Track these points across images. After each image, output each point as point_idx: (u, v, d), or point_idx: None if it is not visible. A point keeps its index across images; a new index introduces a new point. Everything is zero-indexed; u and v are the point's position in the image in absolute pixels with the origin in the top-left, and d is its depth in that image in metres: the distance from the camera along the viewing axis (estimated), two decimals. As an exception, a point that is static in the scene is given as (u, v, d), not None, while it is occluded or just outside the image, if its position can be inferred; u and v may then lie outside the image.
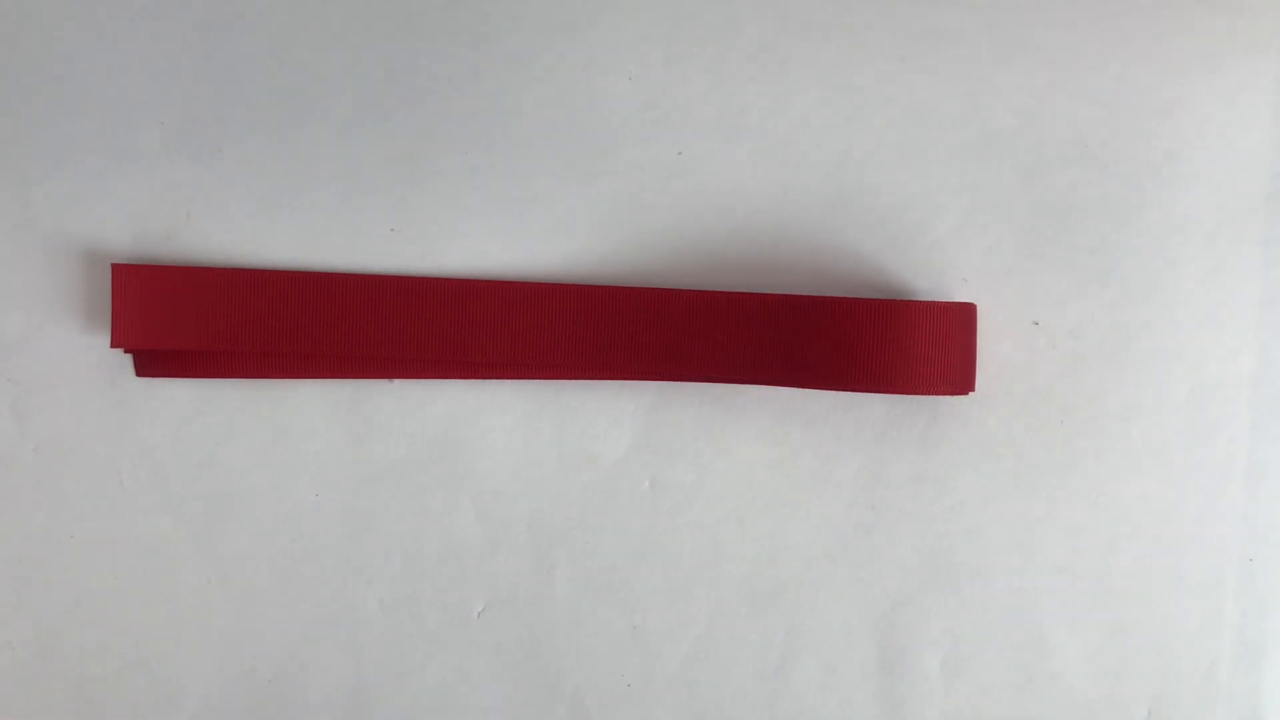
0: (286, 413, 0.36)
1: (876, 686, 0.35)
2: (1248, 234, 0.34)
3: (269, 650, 0.36)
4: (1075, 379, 0.34)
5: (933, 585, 0.35)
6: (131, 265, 0.35)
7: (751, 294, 0.34)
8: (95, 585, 0.36)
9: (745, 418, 0.35)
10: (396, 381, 0.36)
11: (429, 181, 0.35)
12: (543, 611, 0.36)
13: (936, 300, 0.33)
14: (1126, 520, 0.34)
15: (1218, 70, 0.34)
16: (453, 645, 0.36)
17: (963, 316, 0.33)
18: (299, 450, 0.36)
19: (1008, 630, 0.35)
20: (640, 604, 0.35)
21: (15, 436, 0.36)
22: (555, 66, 0.35)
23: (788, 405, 0.35)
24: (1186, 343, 0.34)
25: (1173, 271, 0.34)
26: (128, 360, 0.36)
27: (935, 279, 0.34)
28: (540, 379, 0.35)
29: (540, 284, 0.35)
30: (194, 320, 0.35)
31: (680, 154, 0.35)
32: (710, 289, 0.34)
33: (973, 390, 0.34)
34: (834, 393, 0.35)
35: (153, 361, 0.36)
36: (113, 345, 0.35)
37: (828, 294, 0.34)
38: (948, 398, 0.34)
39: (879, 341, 0.32)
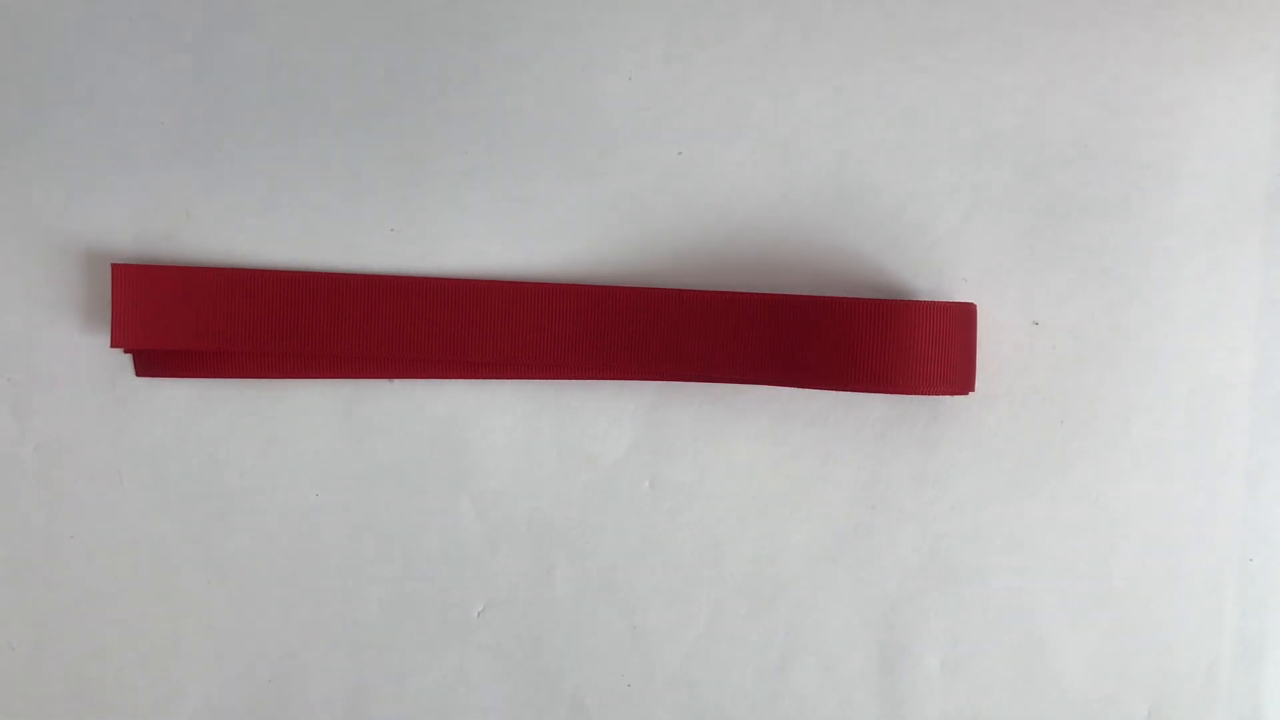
0: (286, 413, 0.36)
1: (876, 686, 0.35)
2: (1248, 234, 0.34)
3: (269, 650, 0.36)
4: (1075, 379, 0.34)
5: (932, 585, 0.35)
6: (131, 265, 0.35)
7: (751, 294, 0.34)
8: (95, 585, 0.36)
9: (745, 418, 0.35)
10: (396, 381, 0.36)
11: (429, 181, 0.35)
12: (543, 611, 0.36)
13: (936, 300, 0.33)
14: (1126, 520, 0.34)
15: (1218, 70, 0.34)
16: (453, 645, 0.36)
17: (963, 316, 0.33)
18: (299, 450, 0.36)
19: (1007, 630, 0.34)
20: (640, 604, 0.35)
21: (15, 436, 0.36)
22: (555, 66, 0.35)
23: (788, 405, 0.35)
24: (1186, 343, 0.34)
25: (1173, 271, 0.34)
26: (128, 360, 0.36)
27: (935, 279, 0.34)
28: (540, 379, 0.35)
29: (540, 284, 0.35)
30: (194, 320, 0.35)
31: (680, 154, 0.35)
32: (710, 289, 0.34)
33: (973, 390, 0.34)
34: (834, 393, 0.35)
35: (153, 361, 0.36)
36: (113, 345, 0.35)
37: (828, 294, 0.34)
38: (948, 398, 0.34)
39: (879, 341, 0.32)
